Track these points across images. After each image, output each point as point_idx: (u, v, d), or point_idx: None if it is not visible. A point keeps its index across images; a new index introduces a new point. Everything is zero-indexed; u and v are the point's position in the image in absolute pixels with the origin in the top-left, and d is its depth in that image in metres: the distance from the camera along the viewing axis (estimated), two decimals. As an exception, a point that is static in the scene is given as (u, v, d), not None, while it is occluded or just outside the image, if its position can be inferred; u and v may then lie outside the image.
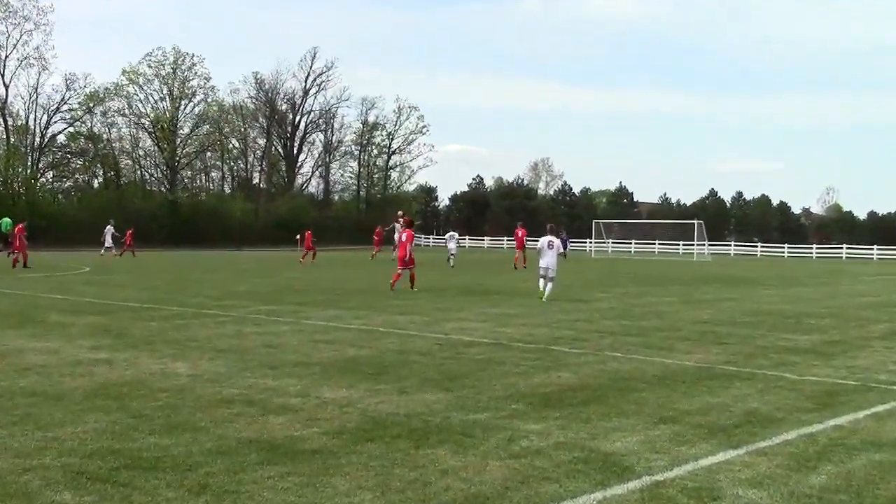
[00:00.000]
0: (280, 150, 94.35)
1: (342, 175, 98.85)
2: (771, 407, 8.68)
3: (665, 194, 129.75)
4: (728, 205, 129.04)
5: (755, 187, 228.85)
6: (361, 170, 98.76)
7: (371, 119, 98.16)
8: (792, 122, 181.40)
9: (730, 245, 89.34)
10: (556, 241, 22.15)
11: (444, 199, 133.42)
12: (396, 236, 39.92)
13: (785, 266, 53.54)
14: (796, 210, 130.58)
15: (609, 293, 24.45)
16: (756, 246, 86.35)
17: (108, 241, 45.72)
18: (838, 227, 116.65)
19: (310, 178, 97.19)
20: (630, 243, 77.26)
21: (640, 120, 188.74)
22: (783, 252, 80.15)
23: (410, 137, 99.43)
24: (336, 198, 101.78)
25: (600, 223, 74.55)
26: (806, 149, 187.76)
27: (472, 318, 16.53)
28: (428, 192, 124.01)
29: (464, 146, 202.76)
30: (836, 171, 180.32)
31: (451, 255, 41.38)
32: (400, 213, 41.76)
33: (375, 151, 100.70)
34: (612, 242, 76.14)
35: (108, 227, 46.16)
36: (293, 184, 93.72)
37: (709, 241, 72.14)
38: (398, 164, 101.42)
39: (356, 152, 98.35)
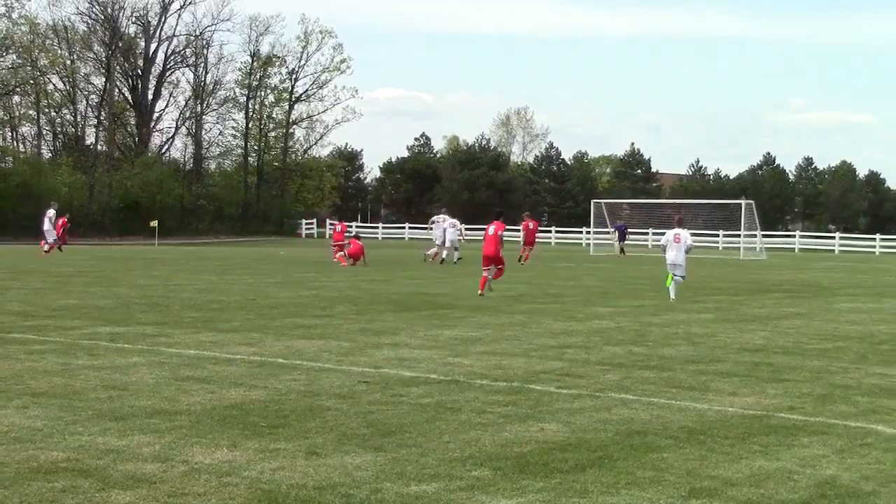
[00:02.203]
0: (127, 94, 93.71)
1: (221, 133, 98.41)
2: (856, 475, 8.78)
3: (698, 162, 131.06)
4: (791, 177, 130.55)
5: (833, 151, 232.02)
6: (251, 126, 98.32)
7: (264, 50, 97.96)
8: (886, 54, 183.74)
9: (794, 236, 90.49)
10: (684, 234, 27.44)
11: (372, 169, 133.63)
12: (437, 232, 45.83)
13: (877, 267, 54.27)
14: (893, 184, 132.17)
15: (615, 306, 24.60)
16: (833, 237, 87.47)
17: (50, 229, 49.55)
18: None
19: (172, 138, 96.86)
20: (646, 233, 77.79)
21: (660, 50, 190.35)
22: (874, 246, 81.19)
23: (323, 78, 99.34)
24: (213, 166, 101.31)
25: (602, 204, 74.97)
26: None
27: (415, 344, 16.53)
28: (349, 159, 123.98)
29: (401, 91, 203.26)
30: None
31: (454, 248, 45.42)
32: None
33: (272, 98, 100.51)
34: (620, 231, 76.60)
35: (50, 210, 49.89)
36: (147, 146, 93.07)
37: (763, 229, 72.87)
38: (305, 116, 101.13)
39: (242, 99, 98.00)
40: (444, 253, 45.03)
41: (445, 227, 45.99)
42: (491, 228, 28.45)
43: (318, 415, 10.69)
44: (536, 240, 51.99)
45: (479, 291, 27.36)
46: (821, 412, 11.48)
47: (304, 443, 9.39)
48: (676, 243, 27.15)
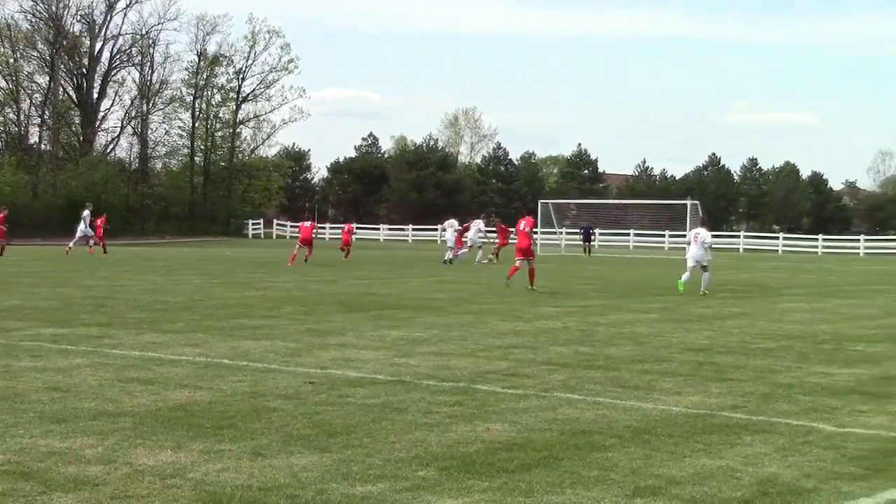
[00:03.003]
0: (72, 93, 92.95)
1: (168, 133, 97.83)
2: (797, 472, 8.86)
3: (644, 162, 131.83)
4: (736, 178, 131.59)
5: (777, 152, 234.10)
6: (197, 125, 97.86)
7: (211, 49, 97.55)
8: (831, 55, 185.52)
9: (738, 236, 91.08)
10: (703, 233, 30.80)
11: (320, 169, 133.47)
12: (472, 232, 49.90)
13: (819, 266, 54.77)
14: (836, 185, 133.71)
15: (562, 307, 24.68)
16: (777, 238, 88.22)
17: (86, 229, 52.08)
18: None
19: (118, 138, 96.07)
20: (593, 232, 78.01)
21: (607, 51, 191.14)
22: (816, 247, 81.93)
23: (270, 78, 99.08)
24: (159, 166, 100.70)
25: (549, 204, 75.06)
26: (852, 94, 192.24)
27: (361, 345, 16.51)
28: (297, 159, 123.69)
29: (349, 91, 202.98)
30: (895, 128, 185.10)
31: (476, 246, 49.15)
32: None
33: (218, 98, 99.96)
34: (567, 231, 76.84)
35: (86, 211, 52.27)
36: (93, 145, 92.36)
37: (708, 229, 73.13)
38: (252, 116, 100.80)
39: (189, 99, 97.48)
40: (475, 253, 48.44)
41: (478, 226, 50.20)
42: (522, 223, 31.11)
43: (263, 416, 10.66)
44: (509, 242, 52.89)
45: (508, 278, 30.49)
46: (763, 411, 11.57)
47: (250, 444, 9.36)
48: (696, 241, 30.48)
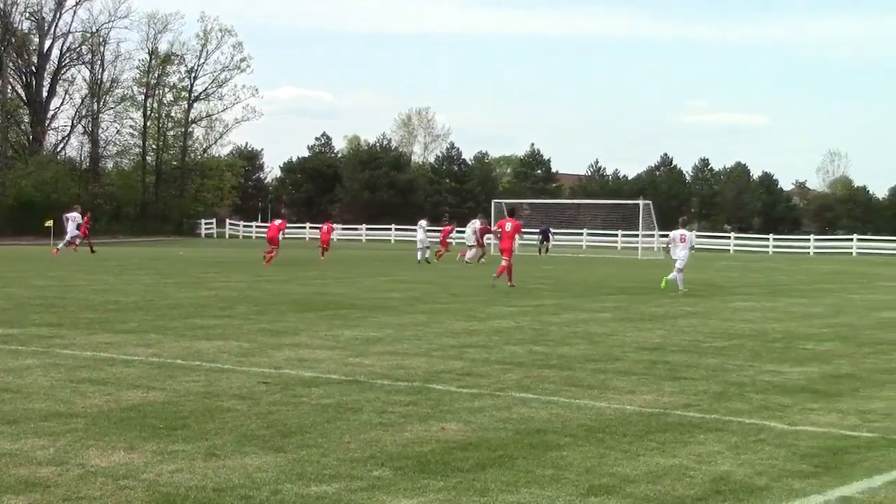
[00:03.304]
0: (21, 92, 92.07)
1: (119, 132, 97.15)
2: (749, 470, 8.92)
3: (597, 162, 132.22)
4: (688, 178, 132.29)
5: (728, 152, 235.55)
6: (149, 124, 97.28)
7: (163, 48, 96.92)
8: (783, 57, 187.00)
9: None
10: (689, 235, 32.09)
11: (273, 169, 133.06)
12: (470, 232, 50.51)
13: (770, 266, 55.17)
14: (786, 185, 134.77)
15: (516, 306, 24.73)
16: (728, 237, 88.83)
17: (72, 230, 52.65)
18: (847, 210, 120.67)
19: (68, 137, 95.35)
20: (551, 233, 78.19)
21: (561, 50, 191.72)
22: (767, 246, 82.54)
23: (223, 77, 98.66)
24: (110, 166, 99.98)
25: (503, 204, 74.98)
26: (802, 95, 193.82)
27: (316, 345, 16.48)
28: (250, 159, 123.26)
29: (302, 90, 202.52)
30: (844, 130, 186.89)
31: (425, 248, 49.50)
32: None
33: (170, 97, 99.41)
34: (544, 233, 76.93)
35: (74, 213, 53.52)
36: (42, 144, 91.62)
37: (660, 229, 73.64)
38: (205, 115, 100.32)
39: (140, 98, 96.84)
40: (470, 253, 48.90)
41: (474, 228, 50.24)
42: (508, 225, 32.45)
43: (217, 416, 10.61)
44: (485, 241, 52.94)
45: (495, 276, 31.74)
46: (716, 409, 11.64)
47: (203, 444, 9.32)
48: (682, 242, 31.46)
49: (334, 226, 75.25)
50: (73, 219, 53.16)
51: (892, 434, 10.54)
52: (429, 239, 50.59)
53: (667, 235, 37.42)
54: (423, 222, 52.47)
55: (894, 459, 9.45)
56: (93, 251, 51.95)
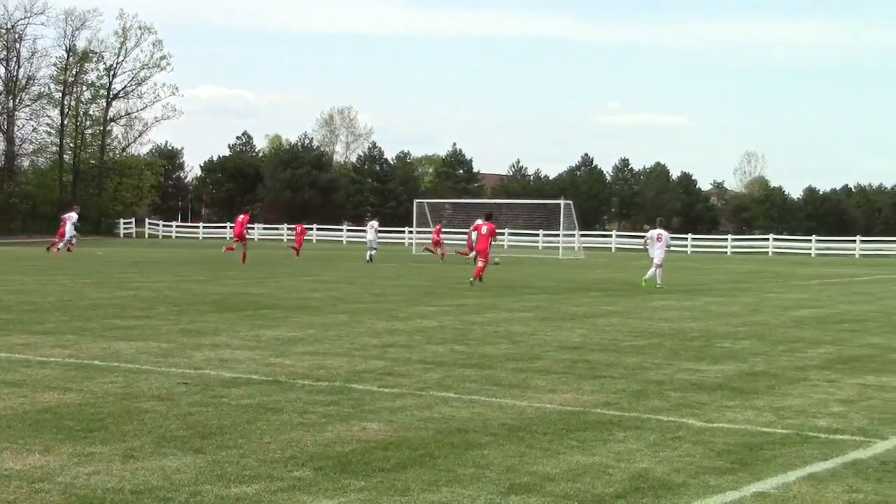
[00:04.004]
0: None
1: (35, 130, 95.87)
2: (667, 467, 9.00)
3: (518, 162, 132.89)
4: (609, 178, 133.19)
5: (647, 153, 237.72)
6: (66, 122, 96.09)
7: (81, 45, 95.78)
8: (702, 59, 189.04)
9: (611, 235, 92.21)
10: (665, 234, 33.96)
11: (193, 168, 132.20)
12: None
13: (689, 265, 55.67)
14: (704, 185, 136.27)
15: (438, 306, 24.78)
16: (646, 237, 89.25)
17: (70, 231, 52.87)
18: (763, 210, 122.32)
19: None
20: (466, 232, 78.35)
21: (482, 49, 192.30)
22: (686, 245, 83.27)
23: (142, 75, 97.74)
24: (26, 164, 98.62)
25: (424, 204, 75.28)
26: (720, 98, 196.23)
27: (235, 345, 16.39)
28: (169, 158, 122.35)
29: (223, 89, 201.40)
30: (761, 131, 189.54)
31: (373, 248, 50.64)
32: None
33: (88, 95, 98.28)
34: (443, 231, 77.00)
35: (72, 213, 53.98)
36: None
37: (581, 229, 74.13)
38: (124, 113, 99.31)
39: (58, 95, 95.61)
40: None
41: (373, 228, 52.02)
42: (484, 228, 33.86)
43: (135, 417, 10.52)
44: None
45: (472, 279, 32.37)
46: (635, 407, 11.74)
47: (121, 446, 9.23)
48: (659, 242, 33.66)
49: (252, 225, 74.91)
50: (70, 219, 53.33)
51: (806, 430, 10.69)
52: (377, 240, 51.18)
53: (643, 236, 39.24)
54: (374, 223, 53.29)
55: (808, 455, 9.59)
56: (69, 249, 52.20)
